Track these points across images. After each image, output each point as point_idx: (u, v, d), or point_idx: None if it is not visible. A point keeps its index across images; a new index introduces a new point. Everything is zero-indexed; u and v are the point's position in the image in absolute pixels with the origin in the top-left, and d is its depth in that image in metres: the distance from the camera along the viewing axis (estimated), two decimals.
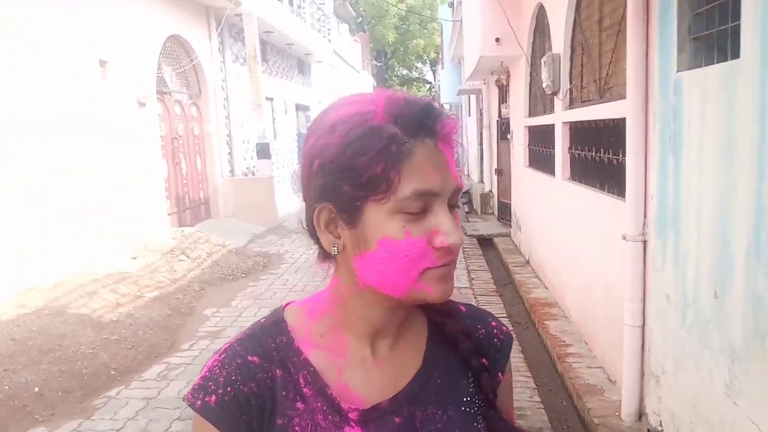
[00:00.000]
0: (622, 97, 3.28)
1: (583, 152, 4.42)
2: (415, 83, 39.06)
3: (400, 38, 29.88)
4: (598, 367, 3.83)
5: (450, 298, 0.69)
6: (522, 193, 7.47)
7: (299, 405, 0.69)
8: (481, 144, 13.30)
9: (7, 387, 3.57)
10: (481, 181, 13.17)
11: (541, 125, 6.09)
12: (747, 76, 2.05)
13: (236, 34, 10.71)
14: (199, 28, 9.29)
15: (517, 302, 5.87)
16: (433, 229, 0.64)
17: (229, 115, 10.42)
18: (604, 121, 3.85)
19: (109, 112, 6.55)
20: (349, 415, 0.69)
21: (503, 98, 9.39)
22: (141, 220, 7.09)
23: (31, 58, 5.36)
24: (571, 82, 4.89)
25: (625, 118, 3.15)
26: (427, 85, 39.42)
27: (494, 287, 6.17)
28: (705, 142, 2.42)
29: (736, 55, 2.16)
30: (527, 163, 7.02)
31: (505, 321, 3.90)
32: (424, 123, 0.65)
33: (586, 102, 4.46)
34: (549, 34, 5.51)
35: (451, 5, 17.27)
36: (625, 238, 3.11)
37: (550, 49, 5.39)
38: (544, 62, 5.21)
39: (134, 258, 6.53)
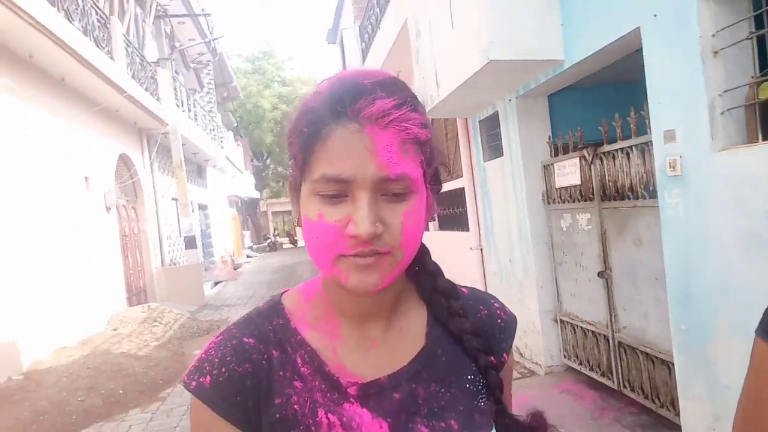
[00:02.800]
0: (461, 176, 6.18)
1: (446, 210, 7.30)
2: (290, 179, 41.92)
3: (276, 140, 32.89)
4: None
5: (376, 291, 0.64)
6: None
7: (297, 384, 0.69)
8: None
9: (103, 392, 5.41)
10: None
11: None
12: (507, 165, 4.96)
13: (161, 148, 12.82)
14: (135, 146, 11.35)
15: None
16: (349, 216, 0.62)
17: (158, 215, 12.31)
18: (454, 190, 6.74)
19: (90, 217, 8.41)
20: (348, 390, 0.69)
21: None
22: (111, 301, 8.78)
23: (37, 175, 7.24)
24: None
25: (464, 187, 6.03)
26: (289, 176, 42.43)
27: None
28: (497, 196, 5.31)
29: (502, 154, 5.07)
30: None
31: None
32: (342, 105, 0.62)
33: (443, 180, 7.42)
34: None
35: None
36: (471, 249, 5.91)
37: None
38: None
39: (115, 329, 8.21)
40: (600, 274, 3.91)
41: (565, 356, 4.66)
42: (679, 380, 3.03)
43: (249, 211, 34.92)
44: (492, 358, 0.76)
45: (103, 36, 8.57)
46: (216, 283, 16.14)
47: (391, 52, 7.53)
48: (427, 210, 0.71)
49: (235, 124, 29.47)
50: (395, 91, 0.64)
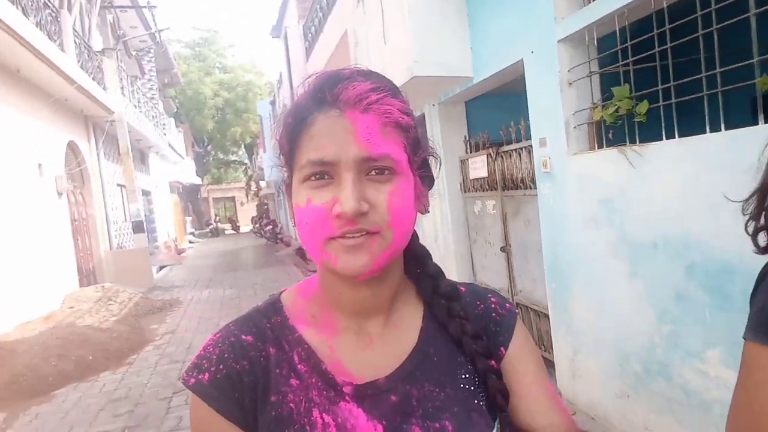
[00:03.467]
0: None
1: None
2: (232, 165, 41.90)
3: (217, 126, 32.89)
4: None
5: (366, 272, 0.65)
6: None
7: (293, 381, 0.70)
8: None
9: (73, 358, 6.00)
10: None
11: None
12: (430, 161, 5.86)
13: (106, 135, 13.07)
14: (82, 134, 11.62)
15: None
16: (336, 198, 0.63)
17: (105, 200, 12.61)
18: None
19: (43, 202, 8.78)
20: (343, 389, 0.69)
21: None
22: (64, 281, 9.21)
23: None
24: None
25: None
26: (242, 167, 42.55)
27: None
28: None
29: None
30: None
31: None
32: (322, 92, 0.66)
33: None
34: None
35: (272, 103, 21.15)
36: None
37: None
38: None
39: (71, 306, 8.67)
40: (502, 249, 4.88)
41: None
42: (552, 327, 4.02)
43: (190, 197, 34.79)
44: (493, 361, 0.74)
45: (55, 29, 8.90)
46: (161, 268, 16.46)
47: (333, 54, 8.27)
48: (417, 197, 0.71)
49: (176, 110, 29.31)
50: (373, 78, 0.67)
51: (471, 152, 5.31)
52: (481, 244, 5.36)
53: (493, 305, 0.81)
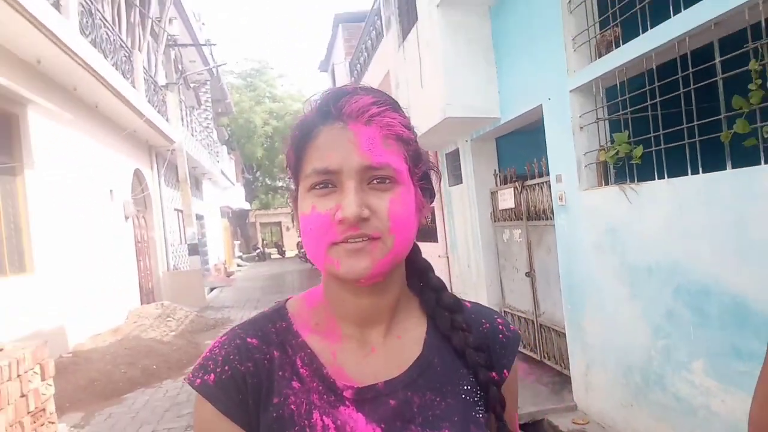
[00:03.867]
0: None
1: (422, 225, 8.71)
2: (279, 191, 43.25)
3: (266, 153, 34.19)
4: None
5: (367, 277, 0.68)
6: None
7: (295, 384, 0.72)
8: None
9: (140, 366, 6.69)
10: None
11: None
12: (465, 190, 6.37)
13: (167, 164, 14.11)
14: (146, 162, 12.64)
15: None
16: (339, 204, 0.67)
17: (164, 224, 13.56)
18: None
19: (113, 225, 9.68)
20: (344, 394, 0.71)
21: None
22: (128, 298, 10.05)
23: (76, 190, 8.51)
24: None
25: (434, 206, 7.44)
26: (289, 192, 43.66)
27: None
28: (458, 214, 6.72)
29: (462, 181, 6.48)
30: None
31: None
32: (327, 106, 0.70)
33: None
34: None
35: None
36: (440, 257, 7.31)
37: None
38: None
39: (135, 321, 9.46)
40: (527, 274, 5.32)
41: None
42: (568, 345, 4.43)
43: (239, 221, 36.13)
44: (494, 374, 0.77)
45: (128, 68, 9.90)
46: (212, 289, 17.34)
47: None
48: (418, 208, 0.74)
49: (227, 138, 30.75)
50: (375, 93, 0.72)
51: (500, 185, 5.79)
52: (509, 270, 5.80)
53: (500, 326, 0.83)
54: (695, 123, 2.90)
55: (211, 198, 22.04)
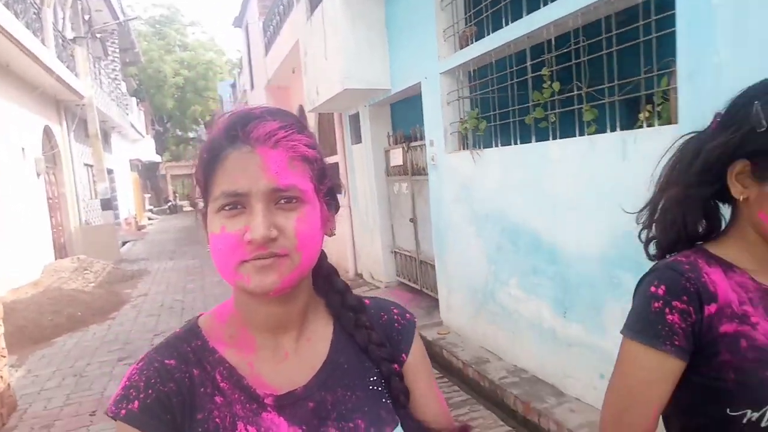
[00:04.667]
0: (336, 154, 8.47)
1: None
2: (191, 143, 42.34)
3: (177, 105, 33.41)
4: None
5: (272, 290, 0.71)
6: None
7: (218, 399, 0.74)
8: None
9: (65, 314, 7.26)
10: None
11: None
12: (364, 149, 7.31)
13: (77, 119, 13.98)
14: (54, 118, 12.56)
15: None
16: (247, 225, 0.70)
17: (75, 180, 13.58)
18: (335, 163, 9.00)
19: (25, 183, 9.85)
20: (265, 401, 0.75)
21: None
22: (42, 254, 10.34)
23: None
24: None
25: (338, 162, 8.33)
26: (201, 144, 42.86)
27: None
28: (359, 170, 7.66)
29: (361, 141, 7.40)
30: None
31: None
32: (235, 130, 0.72)
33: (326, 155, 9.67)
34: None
35: (233, 86, 22.05)
36: (343, 207, 8.27)
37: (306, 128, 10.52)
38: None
39: (52, 275, 9.81)
40: (411, 220, 6.39)
41: (397, 275, 7.19)
42: (437, 275, 5.56)
43: (149, 174, 35.30)
44: (395, 365, 0.84)
45: (38, 27, 9.88)
46: (124, 243, 17.46)
47: (288, 56, 9.53)
48: (323, 222, 0.78)
49: (136, 88, 29.77)
50: (281, 116, 0.75)
51: (392, 145, 6.76)
52: (398, 217, 6.86)
53: (396, 316, 0.90)
54: (516, 107, 3.96)
55: (120, 151, 21.67)
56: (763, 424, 0.86)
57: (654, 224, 1.01)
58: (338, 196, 0.86)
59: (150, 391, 0.71)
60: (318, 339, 0.83)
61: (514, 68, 3.98)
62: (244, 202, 0.70)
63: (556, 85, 3.51)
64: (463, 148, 4.80)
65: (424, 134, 5.57)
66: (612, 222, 3.04)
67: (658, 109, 2.83)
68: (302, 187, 0.72)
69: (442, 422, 0.87)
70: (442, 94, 4.93)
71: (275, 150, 0.71)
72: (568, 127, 3.50)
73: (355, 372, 0.83)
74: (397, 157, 6.56)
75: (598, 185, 3.16)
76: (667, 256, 0.99)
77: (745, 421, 0.87)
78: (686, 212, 0.96)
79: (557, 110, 3.58)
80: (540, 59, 3.70)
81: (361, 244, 8.16)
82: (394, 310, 0.91)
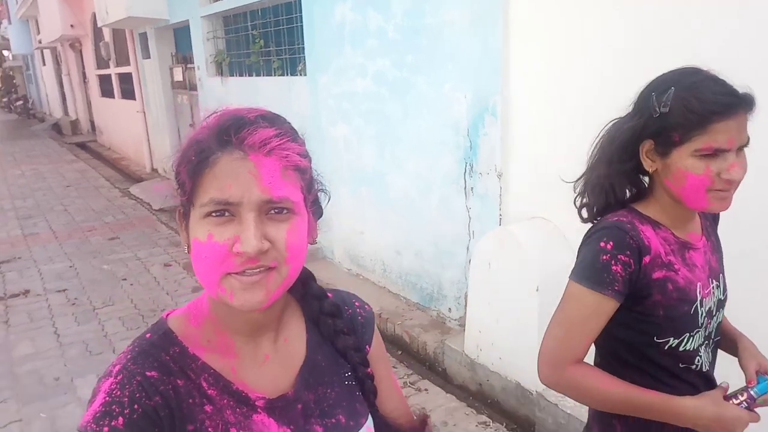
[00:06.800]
0: (129, 65, 9.81)
1: (123, 86, 10.80)
2: None
3: None
4: None
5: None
6: (101, 110, 13.46)
7: (207, 408, 0.72)
8: (62, 86, 17.98)
9: None
10: (66, 113, 18.01)
11: (104, 74, 12.18)
12: (153, 64, 8.84)
13: None
14: None
15: None
16: (237, 235, 0.67)
17: None
18: (128, 73, 10.26)
19: None
20: (256, 404, 0.75)
21: (81, 57, 14.78)
22: None
23: None
24: (109, 56, 11.13)
25: (131, 73, 9.71)
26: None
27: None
28: (150, 81, 9.21)
29: (150, 57, 8.89)
30: (100, 94, 13.02)
31: None
32: (228, 135, 0.68)
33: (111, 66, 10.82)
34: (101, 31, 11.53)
35: None
36: (137, 111, 9.76)
37: (102, 37, 11.42)
38: (102, 44, 11.22)
39: None
40: (190, 125, 8.27)
41: None
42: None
43: None
44: (369, 369, 0.88)
45: None
46: None
47: None
48: (309, 232, 0.77)
49: None
50: (276, 123, 0.72)
51: (175, 64, 8.44)
52: (182, 122, 8.68)
53: (358, 309, 0.94)
54: (248, 51, 6.04)
55: None
56: (681, 348, 1.15)
57: (587, 193, 1.22)
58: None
59: (136, 406, 0.67)
60: (294, 338, 0.84)
61: (249, 23, 6.00)
62: (233, 210, 0.68)
63: (261, 43, 5.65)
64: (219, 75, 6.79)
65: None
66: None
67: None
68: (294, 199, 0.71)
69: (399, 407, 0.96)
70: (203, 33, 6.78)
71: (269, 158, 0.69)
72: (272, 69, 5.70)
73: (332, 369, 0.86)
74: (178, 74, 8.28)
75: (278, 106, 5.43)
76: (599, 218, 1.21)
77: (666, 347, 1.14)
78: (613, 183, 1.17)
79: (261, 58, 5.75)
80: (256, 22, 5.78)
81: (155, 144, 9.80)
82: (356, 303, 0.95)
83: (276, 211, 0.69)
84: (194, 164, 0.69)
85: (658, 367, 1.17)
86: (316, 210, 0.81)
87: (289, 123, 0.77)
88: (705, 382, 1.22)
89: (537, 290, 2.66)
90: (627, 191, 1.20)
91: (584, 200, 1.23)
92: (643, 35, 2.37)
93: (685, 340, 1.14)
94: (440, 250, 3.63)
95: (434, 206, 3.62)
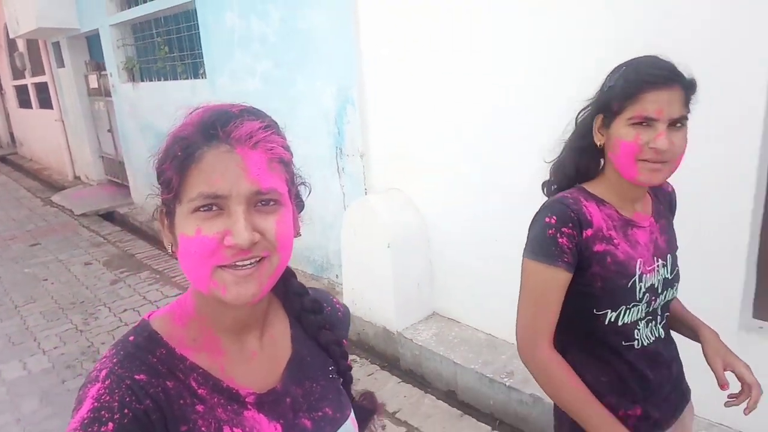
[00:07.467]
0: (44, 74, 9.88)
1: (39, 95, 10.82)
2: None
3: None
4: None
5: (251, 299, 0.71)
6: (20, 121, 13.31)
7: (199, 408, 0.72)
8: None
9: None
10: None
11: (20, 85, 12.10)
12: (68, 72, 8.99)
13: None
14: None
15: None
16: (227, 228, 0.68)
17: None
18: (43, 83, 10.31)
19: None
20: (246, 400, 0.77)
21: None
22: None
23: None
24: (25, 66, 11.11)
25: (46, 82, 9.78)
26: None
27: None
28: (66, 88, 9.34)
29: (65, 66, 9.03)
30: (18, 105, 12.91)
31: None
32: (214, 129, 0.69)
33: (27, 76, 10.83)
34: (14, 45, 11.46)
35: None
36: (56, 120, 9.84)
37: (17, 48, 11.36)
38: (17, 55, 11.16)
39: None
40: (108, 131, 8.49)
41: (105, 174, 9.29)
42: (126, 168, 7.89)
43: None
44: (349, 363, 0.92)
45: None
46: None
47: None
48: (293, 224, 0.78)
49: None
50: (260, 116, 0.74)
51: (89, 71, 8.62)
52: (101, 128, 8.86)
53: (337, 305, 0.99)
54: (164, 56, 6.38)
55: None
56: (619, 323, 1.19)
57: (550, 171, 1.30)
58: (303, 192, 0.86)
59: (126, 411, 0.66)
60: (278, 335, 0.86)
61: (154, 30, 6.34)
62: (222, 203, 0.68)
63: (166, 49, 6.02)
64: (130, 80, 7.08)
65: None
66: None
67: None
68: (281, 190, 0.72)
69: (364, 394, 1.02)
70: (113, 41, 7.06)
71: (255, 151, 0.70)
72: (177, 73, 6.06)
73: (317, 363, 0.88)
74: (93, 81, 8.47)
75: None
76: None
77: (606, 321, 1.18)
78: (576, 161, 1.24)
79: (167, 63, 6.11)
80: (161, 29, 6.14)
81: (75, 152, 9.90)
82: (334, 300, 0.99)
83: (263, 203, 0.71)
84: (180, 160, 0.69)
85: (599, 342, 1.23)
86: (298, 203, 0.84)
87: (271, 117, 0.77)
88: (648, 361, 1.24)
89: (388, 247, 3.22)
90: (575, 168, 1.26)
91: (551, 180, 1.32)
92: (470, 30, 2.96)
93: (622, 312, 1.19)
94: (325, 224, 4.16)
95: (317, 187, 4.06)
